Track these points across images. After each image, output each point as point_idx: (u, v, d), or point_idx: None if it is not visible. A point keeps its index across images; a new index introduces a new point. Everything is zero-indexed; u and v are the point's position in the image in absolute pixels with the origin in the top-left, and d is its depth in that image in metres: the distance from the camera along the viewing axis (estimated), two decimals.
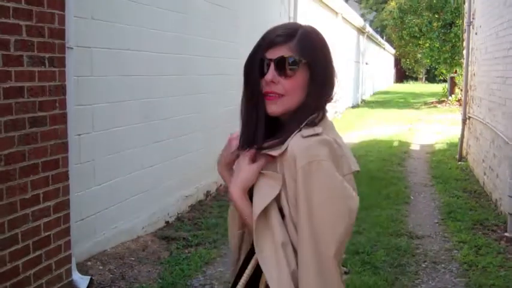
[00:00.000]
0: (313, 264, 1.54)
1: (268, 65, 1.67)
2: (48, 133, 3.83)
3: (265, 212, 1.61)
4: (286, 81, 1.66)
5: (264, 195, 1.62)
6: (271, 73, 1.66)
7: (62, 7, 3.93)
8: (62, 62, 3.95)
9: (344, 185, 1.57)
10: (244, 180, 1.67)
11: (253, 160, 1.69)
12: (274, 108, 1.68)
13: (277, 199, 1.62)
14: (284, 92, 1.67)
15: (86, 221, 4.95)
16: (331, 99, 1.76)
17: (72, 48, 4.27)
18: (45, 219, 3.86)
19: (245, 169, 1.67)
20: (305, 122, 1.65)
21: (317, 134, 1.60)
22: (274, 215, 1.61)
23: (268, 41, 1.70)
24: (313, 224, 1.54)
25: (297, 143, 1.59)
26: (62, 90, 3.96)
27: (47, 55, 3.77)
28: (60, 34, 3.93)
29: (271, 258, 1.60)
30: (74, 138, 4.46)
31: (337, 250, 1.54)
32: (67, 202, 4.10)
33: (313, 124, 1.65)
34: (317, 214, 1.54)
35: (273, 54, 1.67)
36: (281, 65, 1.66)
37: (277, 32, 1.70)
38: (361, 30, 27.49)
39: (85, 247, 4.92)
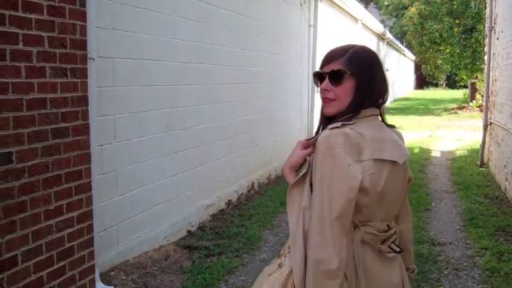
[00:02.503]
0: (316, 222, 1.97)
1: (324, 77, 2.15)
2: (71, 144, 3.85)
3: (301, 184, 2.10)
4: (336, 88, 2.13)
5: (300, 173, 2.12)
6: (325, 83, 2.15)
7: (84, 18, 3.94)
8: (83, 73, 3.97)
9: (349, 168, 1.96)
10: (292, 161, 2.19)
11: (305, 147, 2.18)
12: (328, 110, 2.18)
13: (310, 176, 2.08)
14: (335, 97, 2.14)
15: (109, 231, 4.96)
16: (383, 102, 2.23)
17: (93, 58, 4.30)
18: (69, 230, 3.87)
19: (295, 154, 2.19)
20: (340, 119, 2.09)
21: (338, 127, 2.02)
22: (306, 187, 2.08)
23: (326, 59, 2.19)
24: (321, 192, 1.97)
25: (322, 134, 2.04)
26: (84, 101, 3.97)
27: (69, 66, 3.79)
28: (82, 45, 3.94)
29: (294, 219, 2.07)
30: (96, 148, 4.48)
31: (339, 214, 1.94)
32: (90, 213, 4.11)
33: (346, 120, 2.08)
34: (325, 185, 1.97)
35: (328, 68, 2.15)
36: (332, 76, 2.13)
37: (334, 52, 2.19)
38: (381, 37, 27.40)
39: (108, 257, 4.93)
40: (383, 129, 2.16)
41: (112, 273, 4.94)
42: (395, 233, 2.20)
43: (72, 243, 3.92)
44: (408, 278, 2.37)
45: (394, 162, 2.08)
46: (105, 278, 4.75)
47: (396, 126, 2.29)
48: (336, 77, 2.12)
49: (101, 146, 4.75)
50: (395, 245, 2.18)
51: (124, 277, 4.93)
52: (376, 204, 2.07)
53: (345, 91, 2.12)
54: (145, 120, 5.45)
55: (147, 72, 5.46)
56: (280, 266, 2.18)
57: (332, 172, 1.97)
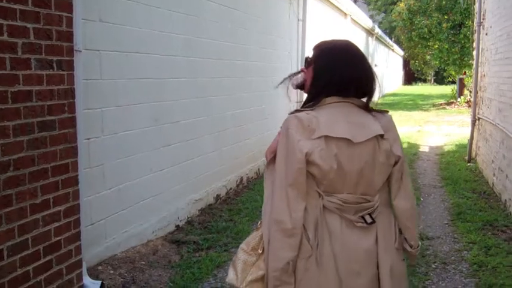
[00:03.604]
0: (277, 190, 2.37)
1: None
2: (57, 137, 3.80)
3: (274, 164, 2.45)
4: (306, 72, 2.57)
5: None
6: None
7: (70, 9, 3.89)
8: (70, 65, 3.91)
9: (298, 143, 2.33)
10: (271, 146, 2.53)
11: None
12: (304, 87, 2.60)
13: None
14: (305, 78, 2.57)
15: (96, 226, 4.92)
16: (368, 97, 2.50)
17: (80, 51, 4.25)
18: (56, 224, 3.82)
19: (275, 140, 2.51)
20: (302, 107, 2.47)
21: (293, 113, 2.43)
22: None
23: None
24: (280, 165, 2.39)
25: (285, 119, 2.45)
26: (70, 93, 3.92)
27: (55, 58, 3.73)
28: (68, 37, 3.89)
29: (267, 191, 2.48)
30: (83, 142, 4.43)
31: (292, 182, 2.33)
32: (77, 207, 4.06)
33: (309, 107, 2.43)
34: (282, 159, 2.38)
35: None
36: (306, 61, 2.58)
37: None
38: (370, 32, 27.41)
39: (95, 251, 4.89)
40: (346, 113, 2.41)
41: (100, 267, 4.89)
42: (372, 207, 2.43)
43: (59, 238, 3.87)
44: (410, 254, 2.63)
45: (349, 141, 2.34)
46: (93, 272, 4.70)
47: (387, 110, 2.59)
48: (306, 63, 2.58)
49: (88, 139, 4.71)
50: (371, 216, 2.43)
51: (112, 271, 4.89)
52: (335, 178, 2.36)
53: (308, 76, 2.55)
54: (133, 114, 5.40)
55: (135, 65, 5.41)
56: (257, 228, 2.59)
57: (286, 148, 2.36)
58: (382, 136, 2.41)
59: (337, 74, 2.42)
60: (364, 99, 2.49)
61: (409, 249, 2.61)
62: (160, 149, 5.96)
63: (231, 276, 2.61)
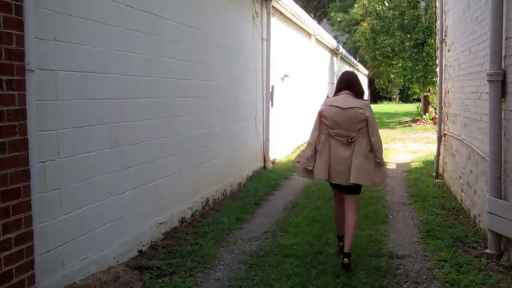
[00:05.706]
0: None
1: None
2: (7, 160, 3.62)
3: None
4: None
5: None
6: None
7: (21, 27, 3.74)
8: (21, 85, 3.75)
9: (321, 108, 5.86)
10: None
11: None
12: None
13: None
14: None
15: (53, 253, 4.68)
16: (356, 92, 5.91)
17: (33, 70, 4.05)
18: (6, 253, 3.63)
19: None
20: (333, 95, 6.10)
21: (327, 97, 6.12)
22: None
23: None
24: None
25: None
26: (22, 114, 3.76)
27: (4, 78, 3.58)
28: (19, 56, 3.74)
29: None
30: (37, 165, 4.22)
31: (315, 125, 5.89)
32: (30, 233, 3.87)
33: (334, 96, 6.02)
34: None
35: None
36: None
37: None
38: (334, 52, 27.61)
39: (52, 281, 4.65)
40: (344, 97, 5.75)
41: None
42: (351, 136, 5.59)
43: (10, 267, 3.67)
44: (377, 162, 5.68)
45: (339, 107, 5.65)
46: None
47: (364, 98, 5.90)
48: None
49: (43, 162, 4.49)
50: (350, 139, 5.59)
51: None
52: (333, 123, 5.64)
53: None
54: (91, 135, 5.22)
55: (93, 85, 5.24)
56: None
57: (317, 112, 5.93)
58: (360, 108, 5.58)
59: (342, 82, 5.92)
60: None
61: (377, 160, 5.65)
62: (122, 171, 5.78)
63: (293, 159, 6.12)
